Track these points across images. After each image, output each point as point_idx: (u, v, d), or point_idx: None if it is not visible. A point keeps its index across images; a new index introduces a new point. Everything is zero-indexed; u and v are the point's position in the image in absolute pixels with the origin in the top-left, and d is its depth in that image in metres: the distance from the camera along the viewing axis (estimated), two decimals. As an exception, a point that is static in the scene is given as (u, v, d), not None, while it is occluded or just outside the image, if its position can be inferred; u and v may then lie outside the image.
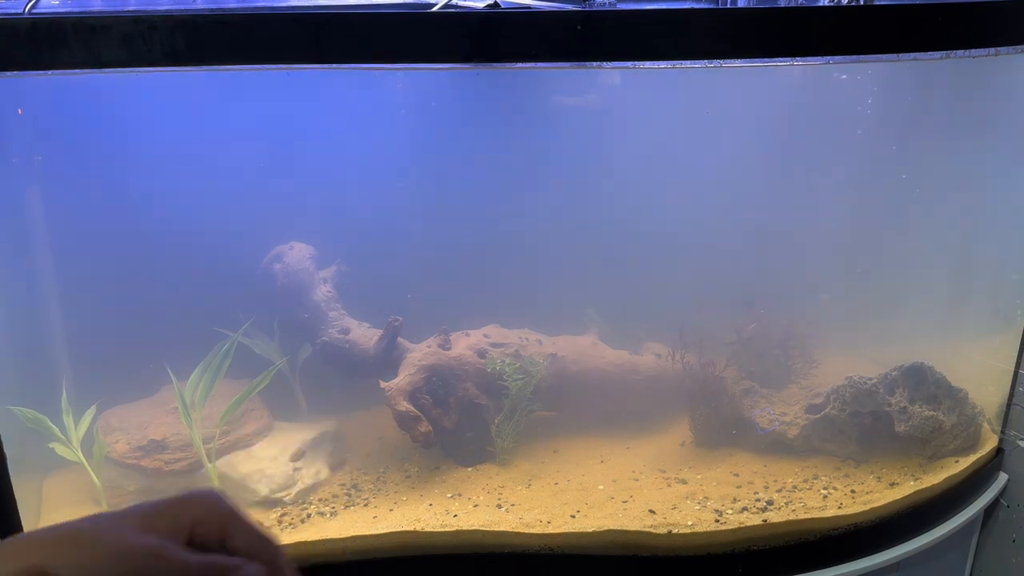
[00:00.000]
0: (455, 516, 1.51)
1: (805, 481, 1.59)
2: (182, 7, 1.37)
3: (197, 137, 1.66)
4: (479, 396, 1.70)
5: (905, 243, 1.89)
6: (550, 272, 1.83)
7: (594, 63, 1.24)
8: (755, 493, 1.55)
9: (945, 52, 1.32)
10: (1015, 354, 1.72)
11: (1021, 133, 1.70)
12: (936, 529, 1.58)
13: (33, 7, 1.24)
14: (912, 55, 1.29)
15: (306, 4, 1.45)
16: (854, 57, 1.28)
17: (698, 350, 1.72)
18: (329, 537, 1.46)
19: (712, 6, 1.57)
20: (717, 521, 1.47)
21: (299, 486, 1.60)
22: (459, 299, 1.81)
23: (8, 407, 1.45)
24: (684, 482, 1.60)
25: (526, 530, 1.46)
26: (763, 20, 1.25)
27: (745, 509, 1.51)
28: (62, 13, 1.26)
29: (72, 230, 1.62)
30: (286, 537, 1.47)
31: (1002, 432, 1.74)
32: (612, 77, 1.74)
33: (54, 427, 1.55)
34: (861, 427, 1.64)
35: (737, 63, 1.25)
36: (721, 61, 1.23)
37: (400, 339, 1.72)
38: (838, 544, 1.50)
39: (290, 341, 1.79)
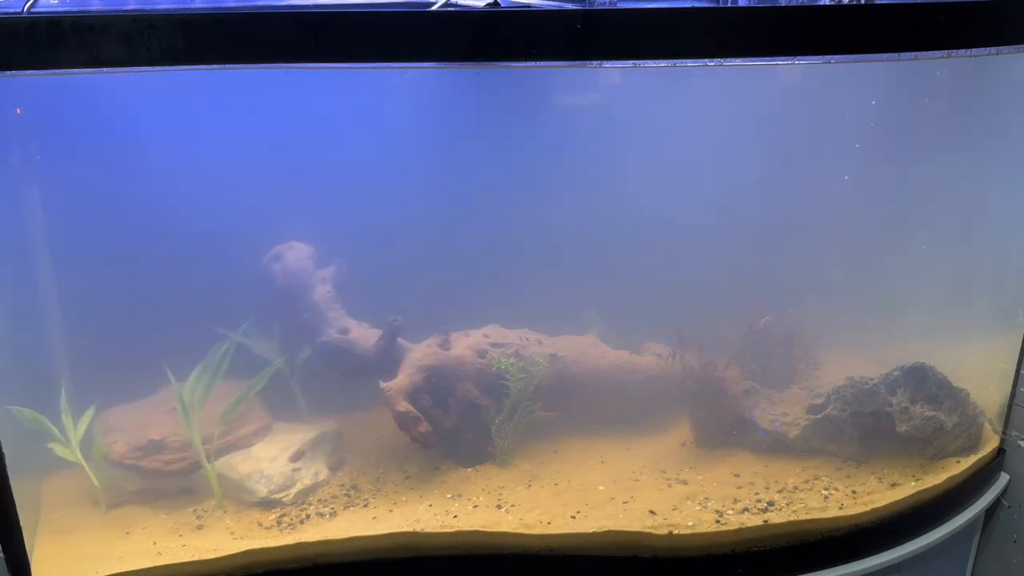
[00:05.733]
0: (455, 517, 1.50)
1: (806, 482, 1.59)
2: (181, 6, 1.37)
3: (196, 137, 1.66)
4: (479, 396, 1.70)
5: (907, 243, 1.89)
6: (550, 272, 1.83)
7: (594, 62, 1.24)
8: (756, 494, 1.55)
9: (946, 51, 1.32)
10: (1016, 354, 1.72)
11: (1023, 132, 1.70)
12: (937, 529, 1.58)
13: (32, 6, 1.24)
14: (913, 54, 1.29)
15: (305, 3, 1.44)
16: (855, 56, 1.28)
17: (698, 350, 1.72)
18: (328, 538, 1.45)
19: (712, 5, 1.57)
20: (718, 522, 1.47)
21: (298, 486, 1.60)
22: (459, 299, 1.81)
23: (7, 407, 1.45)
24: (685, 483, 1.60)
25: (526, 531, 1.46)
26: (763, 19, 1.25)
27: (746, 510, 1.50)
28: (61, 12, 1.26)
29: (71, 230, 1.62)
30: (285, 538, 1.47)
31: (1003, 432, 1.74)
32: (612, 76, 1.74)
33: (53, 428, 1.55)
34: (862, 427, 1.64)
35: (737, 62, 1.25)
36: (721, 60, 1.23)
37: (400, 339, 1.72)
38: (839, 545, 1.50)
39: (289, 341, 1.79)
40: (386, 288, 1.78)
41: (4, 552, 1.34)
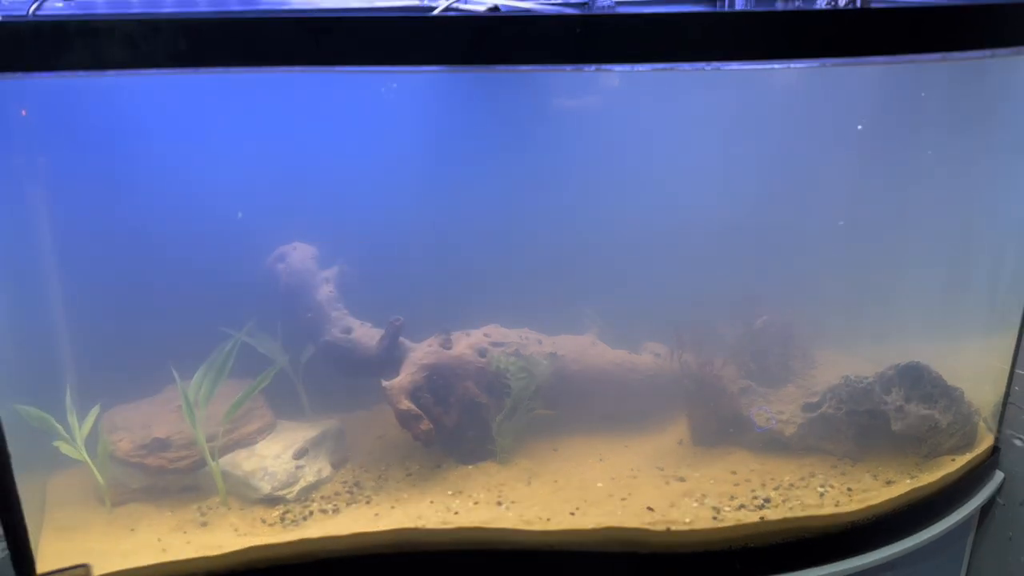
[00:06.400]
0: (456, 513, 1.52)
1: (802, 479, 1.61)
2: (185, 10, 1.38)
3: (201, 137, 1.67)
4: (480, 395, 1.71)
5: (902, 242, 1.90)
6: (550, 272, 1.84)
7: (593, 65, 1.25)
8: (752, 491, 1.57)
9: (942, 54, 1.33)
10: (1011, 353, 1.73)
11: (1018, 132, 1.71)
12: (932, 527, 1.60)
13: (37, 8, 1.25)
14: (909, 57, 1.30)
15: (308, 8, 1.46)
16: (851, 59, 1.29)
17: (696, 349, 1.73)
18: (331, 534, 1.47)
19: (710, 9, 1.59)
20: (715, 518, 1.49)
21: (301, 484, 1.62)
22: (459, 299, 1.83)
23: (13, 406, 1.47)
24: (682, 480, 1.62)
25: (526, 527, 1.48)
26: (760, 23, 1.26)
27: (743, 507, 1.52)
28: (66, 15, 1.27)
29: (76, 230, 1.63)
30: (288, 534, 1.49)
31: (998, 431, 1.76)
32: (611, 79, 1.75)
33: (58, 426, 1.56)
34: (857, 426, 1.65)
35: (735, 66, 1.26)
36: (718, 63, 1.24)
37: (402, 338, 1.73)
38: (835, 542, 1.51)
39: (293, 341, 1.81)
40: (388, 288, 1.79)
41: (9, 549, 1.36)
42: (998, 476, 1.75)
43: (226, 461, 1.64)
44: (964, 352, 1.83)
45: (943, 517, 1.62)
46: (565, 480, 1.63)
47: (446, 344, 1.75)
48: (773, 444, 1.69)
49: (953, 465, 1.64)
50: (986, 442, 1.72)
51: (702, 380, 1.72)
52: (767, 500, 1.53)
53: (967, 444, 1.69)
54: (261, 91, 1.58)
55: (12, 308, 1.53)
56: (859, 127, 1.72)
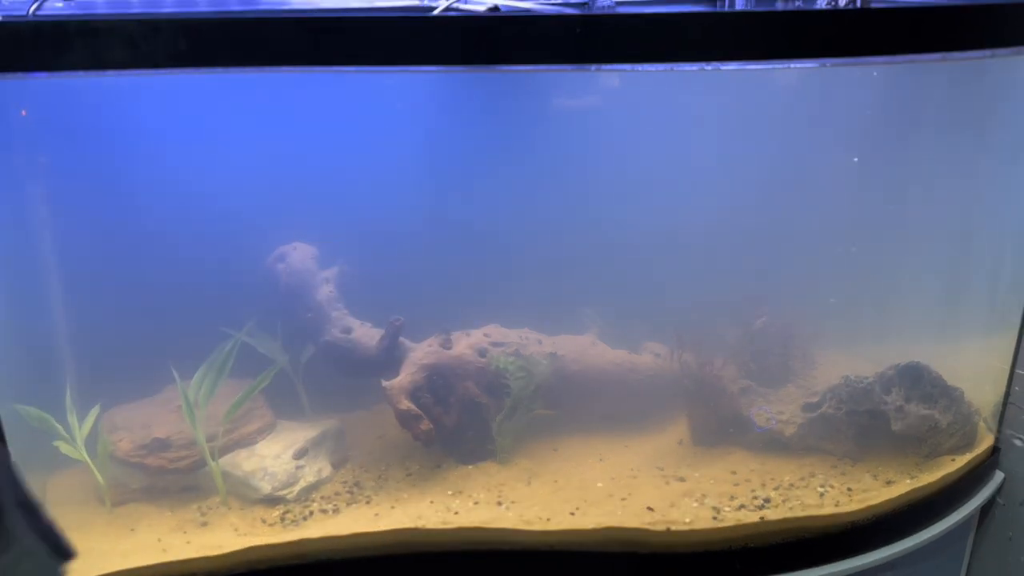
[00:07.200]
0: (456, 513, 1.52)
1: (802, 479, 1.61)
2: (185, 10, 1.39)
3: (201, 137, 1.67)
4: (480, 395, 1.71)
5: (902, 242, 1.90)
6: (550, 272, 1.84)
7: (593, 65, 1.25)
8: (752, 491, 1.57)
9: (942, 54, 1.33)
10: (1011, 353, 1.73)
11: (1018, 132, 1.71)
12: (932, 527, 1.60)
13: (37, 8, 1.26)
14: (909, 57, 1.31)
15: (308, 8, 1.46)
16: (851, 59, 1.29)
17: (696, 349, 1.73)
18: (331, 534, 1.47)
19: (710, 9, 1.59)
20: (715, 518, 1.49)
21: (302, 484, 1.62)
22: (459, 299, 1.83)
23: (13, 406, 1.47)
24: (682, 480, 1.62)
25: (526, 527, 1.48)
26: (760, 23, 1.26)
27: (743, 507, 1.52)
28: (66, 15, 1.27)
29: (76, 230, 1.64)
30: (288, 535, 1.49)
31: (998, 431, 1.76)
32: (611, 79, 1.75)
33: (58, 426, 1.56)
34: (857, 426, 1.65)
35: (735, 66, 1.26)
36: (718, 63, 1.24)
37: (402, 338, 1.74)
38: (835, 542, 1.51)
39: (293, 341, 1.81)
40: (388, 288, 1.79)
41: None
42: (998, 476, 1.75)
43: (226, 461, 1.64)
44: (964, 352, 1.83)
45: (943, 517, 1.62)
46: (565, 480, 1.63)
47: (446, 344, 1.75)
48: (773, 444, 1.69)
49: (953, 465, 1.64)
50: (986, 442, 1.72)
51: (702, 380, 1.72)
52: (767, 500, 1.54)
53: (967, 444, 1.69)
54: (262, 91, 1.58)
55: (12, 308, 1.54)
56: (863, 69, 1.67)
